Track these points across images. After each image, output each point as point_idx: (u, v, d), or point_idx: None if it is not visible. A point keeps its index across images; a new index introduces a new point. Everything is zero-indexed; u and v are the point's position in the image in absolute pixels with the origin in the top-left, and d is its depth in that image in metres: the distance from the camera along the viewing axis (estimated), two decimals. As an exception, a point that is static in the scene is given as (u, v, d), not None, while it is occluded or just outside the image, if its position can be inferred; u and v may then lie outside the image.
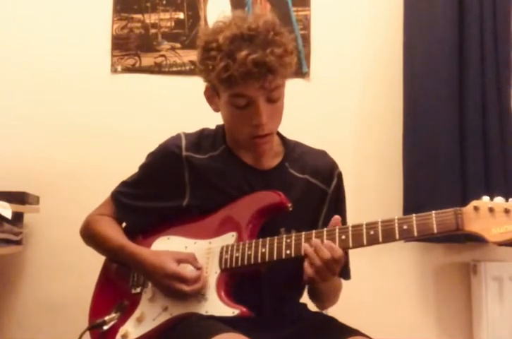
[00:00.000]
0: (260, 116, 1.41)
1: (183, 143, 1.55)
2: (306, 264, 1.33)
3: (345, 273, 1.58)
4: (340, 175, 1.60)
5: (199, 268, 1.42)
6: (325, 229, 1.36)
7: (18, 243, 2.38)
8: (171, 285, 1.39)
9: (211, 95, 1.50)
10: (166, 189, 1.54)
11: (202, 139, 1.57)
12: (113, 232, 1.57)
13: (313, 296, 1.58)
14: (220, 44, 1.38)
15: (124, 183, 1.63)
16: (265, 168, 1.54)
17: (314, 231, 1.36)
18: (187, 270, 1.41)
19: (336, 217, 1.37)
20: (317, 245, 1.32)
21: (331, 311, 1.68)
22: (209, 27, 1.46)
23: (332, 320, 1.49)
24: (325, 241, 1.33)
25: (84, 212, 1.67)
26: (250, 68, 1.35)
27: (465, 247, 2.52)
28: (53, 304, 2.47)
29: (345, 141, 2.62)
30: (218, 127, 1.60)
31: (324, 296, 1.55)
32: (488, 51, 2.53)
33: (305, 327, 1.45)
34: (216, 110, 1.51)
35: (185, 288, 1.38)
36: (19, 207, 2.27)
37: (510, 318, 2.44)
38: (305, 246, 1.34)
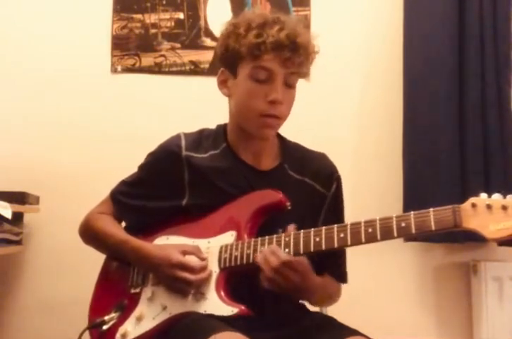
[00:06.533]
0: (277, 93, 1.43)
1: (183, 142, 1.55)
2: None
3: (341, 276, 1.58)
4: (339, 179, 1.60)
5: (203, 259, 1.42)
6: (324, 227, 1.35)
7: (18, 243, 2.37)
8: (176, 274, 1.39)
9: (226, 79, 1.51)
10: (165, 189, 1.54)
11: (202, 139, 1.57)
12: (114, 228, 1.58)
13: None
14: (253, 23, 1.42)
15: (123, 183, 1.63)
16: (264, 168, 1.54)
17: (312, 229, 1.36)
18: (193, 260, 1.41)
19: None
20: (264, 253, 1.33)
21: (331, 311, 1.68)
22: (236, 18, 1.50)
23: (332, 320, 1.49)
24: (270, 246, 1.34)
25: (85, 212, 1.68)
26: (283, 39, 1.40)
27: (465, 247, 2.52)
28: (53, 304, 2.47)
29: (345, 141, 2.61)
30: (218, 126, 1.60)
31: (313, 301, 1.54)
32: (488, 51, 2.52)
33: (304, 327, 1.45)
34: (228, 94, 1.52)
35: (191, 277, 1.38)
36: (19, 207, 2.27)
37: (510, 318, 2.44)
38: (256, 256, 1.35)
